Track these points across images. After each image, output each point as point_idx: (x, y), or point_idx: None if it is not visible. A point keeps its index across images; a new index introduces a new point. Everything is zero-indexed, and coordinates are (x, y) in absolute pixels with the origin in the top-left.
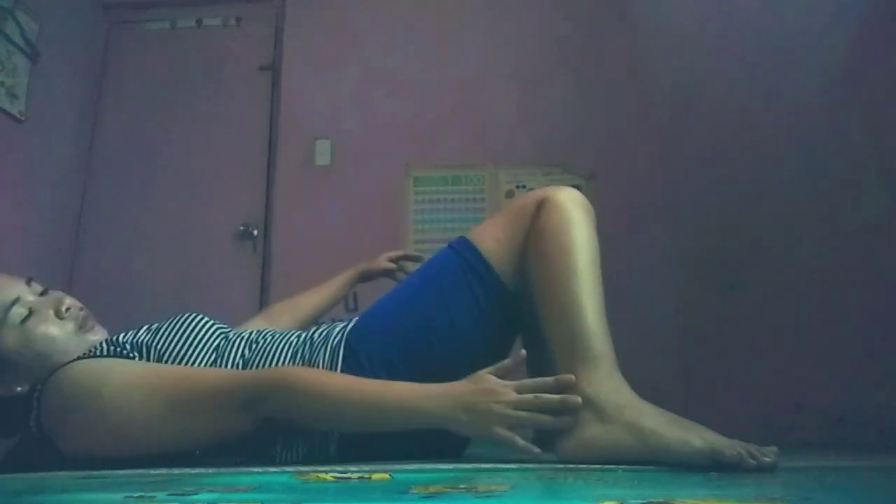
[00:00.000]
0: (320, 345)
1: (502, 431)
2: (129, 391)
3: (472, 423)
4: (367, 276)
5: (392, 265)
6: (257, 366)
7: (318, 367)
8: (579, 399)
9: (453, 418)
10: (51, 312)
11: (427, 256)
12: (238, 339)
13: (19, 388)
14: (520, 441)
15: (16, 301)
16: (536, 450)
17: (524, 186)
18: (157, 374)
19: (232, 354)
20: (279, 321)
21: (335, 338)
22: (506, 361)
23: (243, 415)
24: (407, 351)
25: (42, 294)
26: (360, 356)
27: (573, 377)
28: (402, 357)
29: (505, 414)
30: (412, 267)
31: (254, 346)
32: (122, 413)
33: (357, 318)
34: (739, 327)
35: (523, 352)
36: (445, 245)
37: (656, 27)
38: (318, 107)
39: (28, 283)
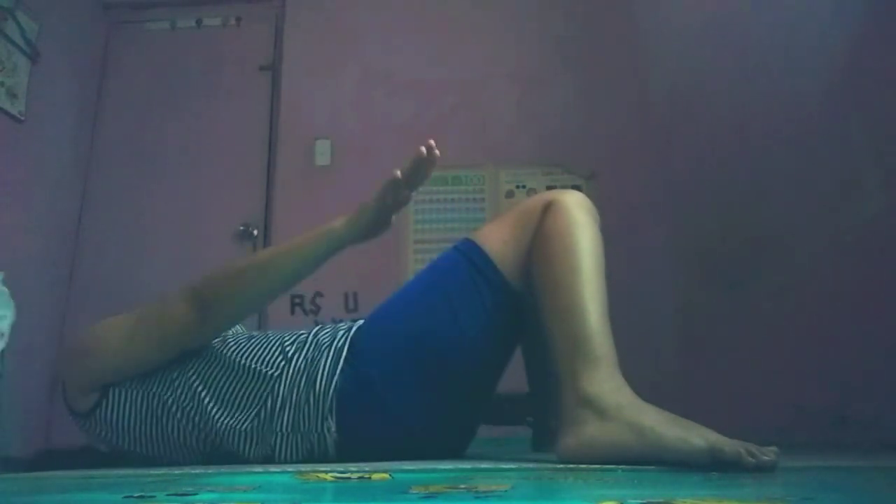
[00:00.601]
0: (325, 346)
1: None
2: (109, 322)
3: (369, 211)
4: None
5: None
6: (260, 356)
7: (320, 368)
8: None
9: (359, 217)
10: None
11: (431, 257)
12: (236, 339)
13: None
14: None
15: None
16: None
17: (524, 186)
18: (127, 319)
19: (232, 342)
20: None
21: (340, 339)
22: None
23: (186, 303)
24: (412, 352)
25: None
26: (364, 357)
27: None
28: (407, 358)
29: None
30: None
31: (261, 341)
32: (104, 337)
33: (363, 320)
34: (739, 327)
35: (421, 148)
36: (450, 246)
37: (656, 27)
38: (318, 107)
39: None
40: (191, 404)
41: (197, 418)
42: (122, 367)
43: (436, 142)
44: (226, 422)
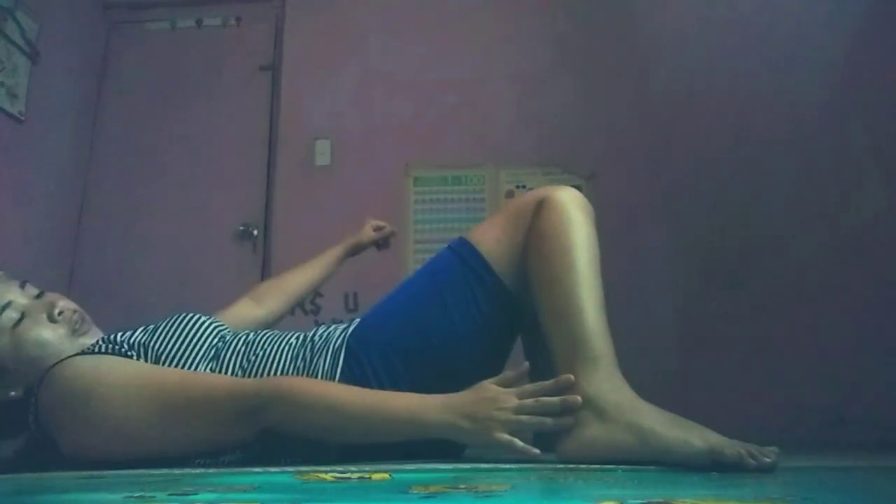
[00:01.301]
0: (321, 348)
1: (503, 436)
2: (125, 390)
3: (474, 431)
4: (355, 250)
5: (376, 235)
6: (257, 368)
7: (318, 370)
8: (579, 399)
9: (455, 427)
10: (43, 316)
11: (425, 256)
12: (236, 341)
13: (13, 393)
14: (518, 443)
15: (7, 305)
16: (536, 451)
17: (524, 186)
18: (152, 376)
19: (230, 357)
20: (267, 301)
21: (336, 341)
22: (508, 372)
23: (241, 424)
24: (408, 353)
25: (38, 297)
26: (360, 359)
27: (572, 377)
28: (403, 359)
29: (506, 420)
30: (392, 240)
31: (255, 349)
32: (117, 413)
33: (357, 321)
34: (739, 327)
35: (526, 364)
36: (445, 246)
37: (656, 27)
38: (318, 107)
39: (22, 286)
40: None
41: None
42: (133, 451)
43: (436, 142)
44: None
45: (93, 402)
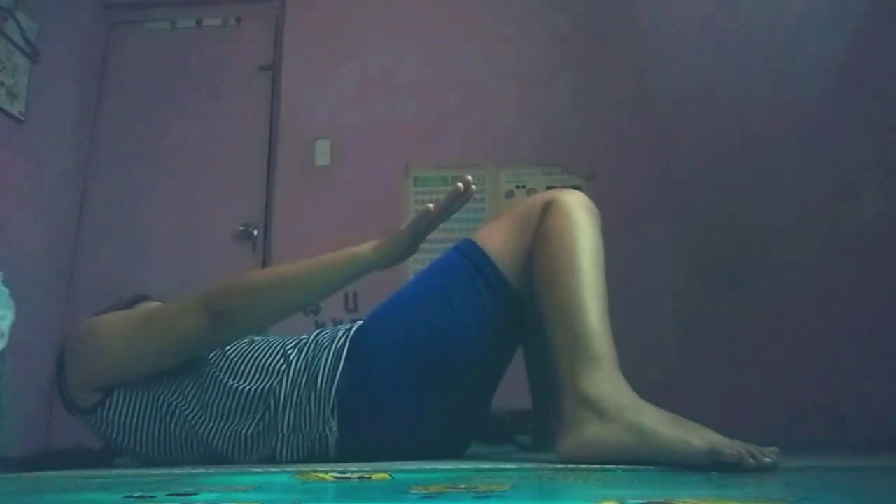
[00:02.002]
0: (325, 346)
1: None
2: (114, 321)
3: (399, 240)
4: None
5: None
6: (262, 359)
7: (321, 368)
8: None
9: (387, 245)
10: None
11: (431, 257)
12: (240, 341)
13: None
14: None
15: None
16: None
17: (524, 186)
18: (135, 310)
19: (234, 352)
20: None
21: (339, 340)
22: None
23: (198, 314)
24: (412, 352)
25: None
26: (364, 357)
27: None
28: (407, 359)
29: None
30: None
31: (257, 345)
32: (109, 337)
33: (362, 320)
34: (740, 327)
35: (459, 184)
36: (450, 246)
37: (657, 27)
38: (318, 107)
39: None
40: (195, 409)
41: (201, 423)
42: (125, 369)
43: (436, 142)
44: (230, 427)
45: (90, 336)
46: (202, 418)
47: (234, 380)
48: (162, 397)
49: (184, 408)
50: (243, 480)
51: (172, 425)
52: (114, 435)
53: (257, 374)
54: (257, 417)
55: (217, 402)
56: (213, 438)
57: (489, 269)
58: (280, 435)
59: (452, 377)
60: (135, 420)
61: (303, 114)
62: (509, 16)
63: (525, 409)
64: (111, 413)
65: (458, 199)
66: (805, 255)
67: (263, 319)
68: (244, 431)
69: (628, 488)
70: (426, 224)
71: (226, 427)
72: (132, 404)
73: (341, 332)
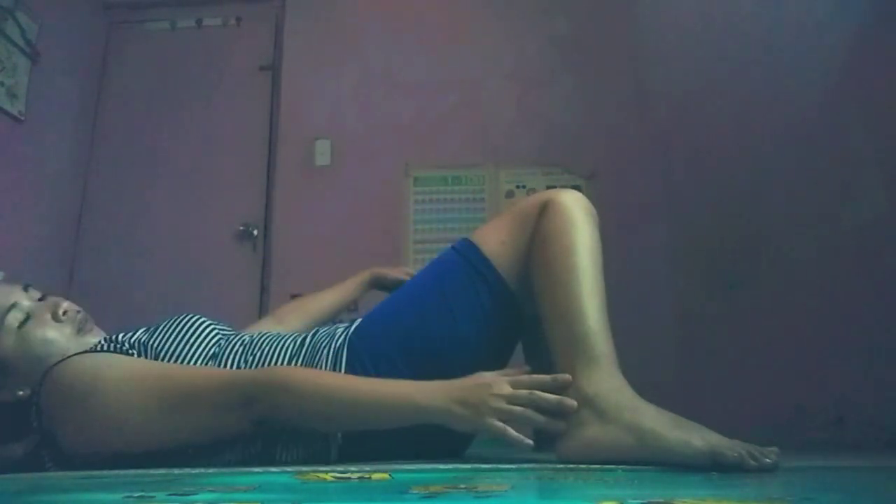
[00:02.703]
0: (323, 346)
1: (495, 423)
2: (125, 384)
3: (466, 416)
4: (380, 282)
5: (406, 277)
6: (256, 366)
7: (320, 367)
8: (575, 403)
9: (447, 410)
10: (48, 316)
11: (430, 257)
12: (237, 342)
13: (21, 393)
14: (511, 432)
15: (13, 306)
16: (528, 442)
17: (524, 186)
18: (151, 370)
19: (230, 356)
20: (289, 321)
21: (338, 339)
22: (509, 369)
23: (237, 414)
24: (410, 353)
25: (40, 299)
26: (363, 358)
27: (570, 377)
28: (405, 359)
29: (498, 407)
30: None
31: (254, 349)
32: (116, 407)
33: (360, 320)
34: (739, 327)
35: (527, 368)
36: (448, 246)
37: (656, 27)
38: (318, 107)
39: (25, 289)
40: None
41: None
42: (135, 443)
43: (436, 142)
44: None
45: (93, 397)
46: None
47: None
48: None
49: None
50: (243, 480)
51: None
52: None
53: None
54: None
55: None
56: (212, 442)
57: (487, 270)
58: (280, 440)
59: (450, 377)
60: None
61: (303, 114)
62: (509, 16)
63: None
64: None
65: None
66: (805, 256)
67: (302, 425)
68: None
69: (628, 488)
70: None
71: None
72: None
73: (339, 332)
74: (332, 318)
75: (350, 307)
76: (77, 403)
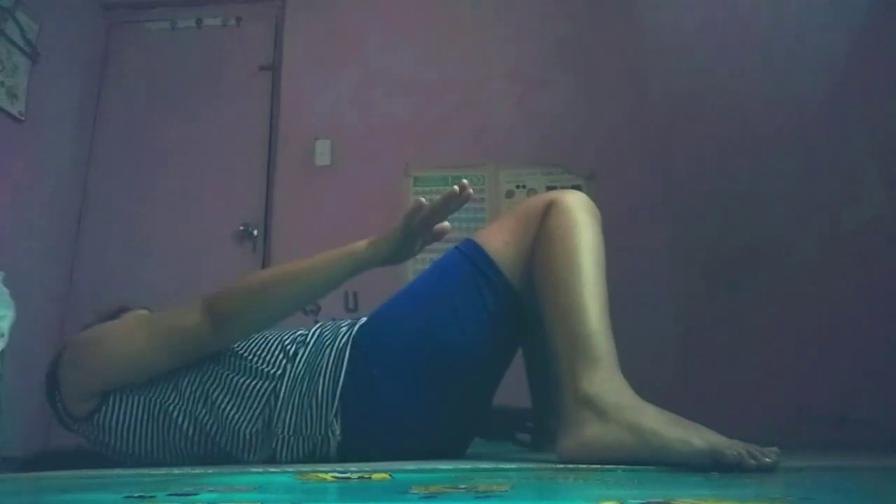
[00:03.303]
0: (327, 344)
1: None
2: (112, 326)
3: (393, 236)
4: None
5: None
6: (261, 358)
7: (323, 366)
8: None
9: (381, 241)
10: None
11: (432, 257)
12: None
13: None
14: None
15: None
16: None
17: (524, 186)
18: (133, 319)
19: (229, 357)
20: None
21: (342, 338)
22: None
23: (200, 316)
24: (414, 352)
25: None
26: (366, 356)
27: (466, 181)
28: (409, 358)
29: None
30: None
31: (260, 342)
32: (109, 340)
33: (364, 319)
34: (739, 327)
35: (455, 186)
36: (451, 246)
37: (656, 27)
38: (318, 107)
39: None
40: (193, 409)
41: (199, 423)
42: (128, 374)
43: (436, 142)
44: (229, 426)
45: (94, 340)
46: (201, 415)
47: (234, 375)
48: (159, 400)
49: (182, 407)
50: (243, 480)
51: (170, 427)
52: (110, 441)
53: (256, 372)
54: (257, 414)
55: (217, 396)
56: (213, 434)
57: (490, 270)
58: (280, 438)
59: (454, 377)
60: (132, 425)
61: (303, 114)
62: (509, 16)
63: (525, 408)
64: (107, 418)
65: (454, 201)
66: (805, 255)
67: (264, 319)
68: (244, 429)
69: (628, 488)
70: (419, 219)
71: (225, 423)
72: (129, 409)
73: (343, 330)
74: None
75: (349, 306)
76: (82, 349)
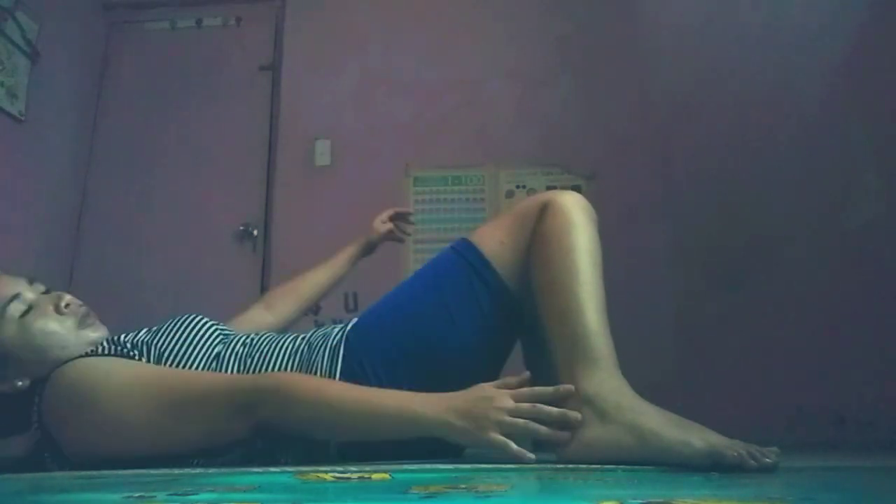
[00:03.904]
0: (319, 345)
1: (497, 437)
2: (127, 389)
3: (467, 430)
4: (370, 247)
5: (390, 226)
6: (257, 368)
7: (317, 366)
8: (579, 416)
9: (447, 423)
10: (50, 308)
11: (428, 257)
12: (238, 342)
13: (20, 383)
14: (513, 446)
15: (15, 297)
16: (531, 456)
17: (524, 186)
18: (154, 375)
19: (232, 357)
20: (279, 307)
21: (335, 338)
22: (508, 378)
23: (238, 419)
24: (407, 351)
25: (44, 293)
26: (359, 356)
27: (572, 387)
28: (402, 358)
29: (500, 420)
30: (410, 229)
31: (253, 351)
32: (118, 413)
33: (357, 319)
34: (739, 327)
35: (528, 373)
36: (447, 246)
37: (656, 27)
38: (318, 107)
39: (30, 282)
40: None
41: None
42: (131, 449)
43: (436, 142)
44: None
45: (96, 402)
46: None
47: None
48: None
49: None
50: (243, 480)
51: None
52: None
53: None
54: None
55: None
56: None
57: (485, 270)
58: (280, 439)
59: (448, 377)
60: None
61: (303, 114)
62: (509, 16)
63: None
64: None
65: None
66: (805, 255)
67: (297, 431)
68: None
69: (628, 488)
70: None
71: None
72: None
73: (336, 331)
74: (325, 295)
75: (349, 307)
76: (76, 410)
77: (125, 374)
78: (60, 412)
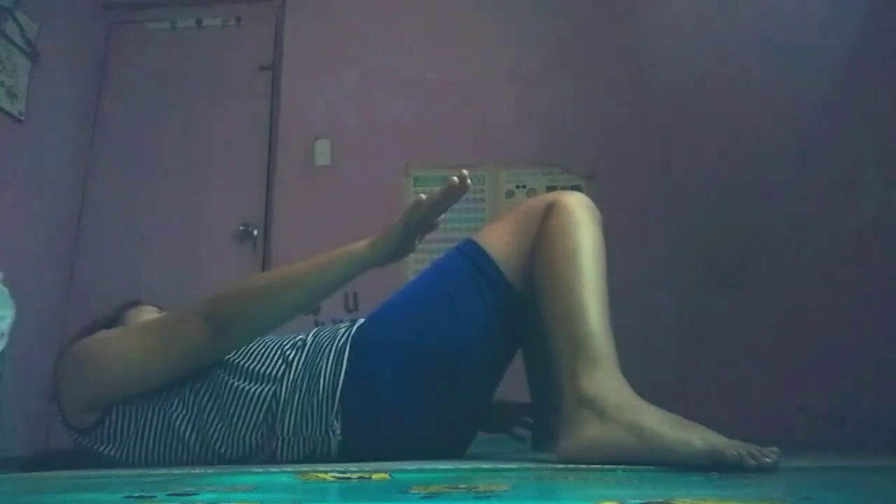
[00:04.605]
0: (326, 345)
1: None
2: (109, 337)
3: (393, 234)
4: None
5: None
6: (262, 366)
7: (322, 368)
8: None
9: (382, 239)
10: None
11: (432, 258)
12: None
13: None
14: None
15: None
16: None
17: (524, 186)
18: (132, 326)
19: (238, 355)
20: None
21: (340, 339)
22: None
23: (200, 323)
24: (414, 353)
25: None
26: (366, 356)
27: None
28: (408, 358)
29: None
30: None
31: (257, 348)
32: (108, 353)
33: (363, 320)
34: (740, 327)
35: (454, 178)
36: (452, 247)
37: (656, 27)
38: (318, 107)
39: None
40: (197, 418)
41: (202, 431)
42: (127, 387)
43: (436, 142)
44: (231, 433)
45: (91, 353)
46: (205, 423)
47: (236, 380)
48: (161, 407)
49: (185, 416)
50: (243, 480)
51: (172, 435)
52: (111, 452)
53: (256, 376)
54: (259, 419)
55: (220, 402)
56: (216, 443)
57: (491, 270)
58: (281, 439)
59: (454, 377)
60: (133, 435)
61: (303, 114)
62: (509, 16)
63: (524, 403)
64: (109, 431)
65: (453, 194)
66: (805, 255)
67: (265, 323)
68: (246, 435)
69: (628, 488)
70: (419, 216)
71: (228, 430)
72: (131, 420)
73: (342, 331)
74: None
75: (349, 307)
76: (74, 363)
77: (112, 332)
78: (62, 371)
